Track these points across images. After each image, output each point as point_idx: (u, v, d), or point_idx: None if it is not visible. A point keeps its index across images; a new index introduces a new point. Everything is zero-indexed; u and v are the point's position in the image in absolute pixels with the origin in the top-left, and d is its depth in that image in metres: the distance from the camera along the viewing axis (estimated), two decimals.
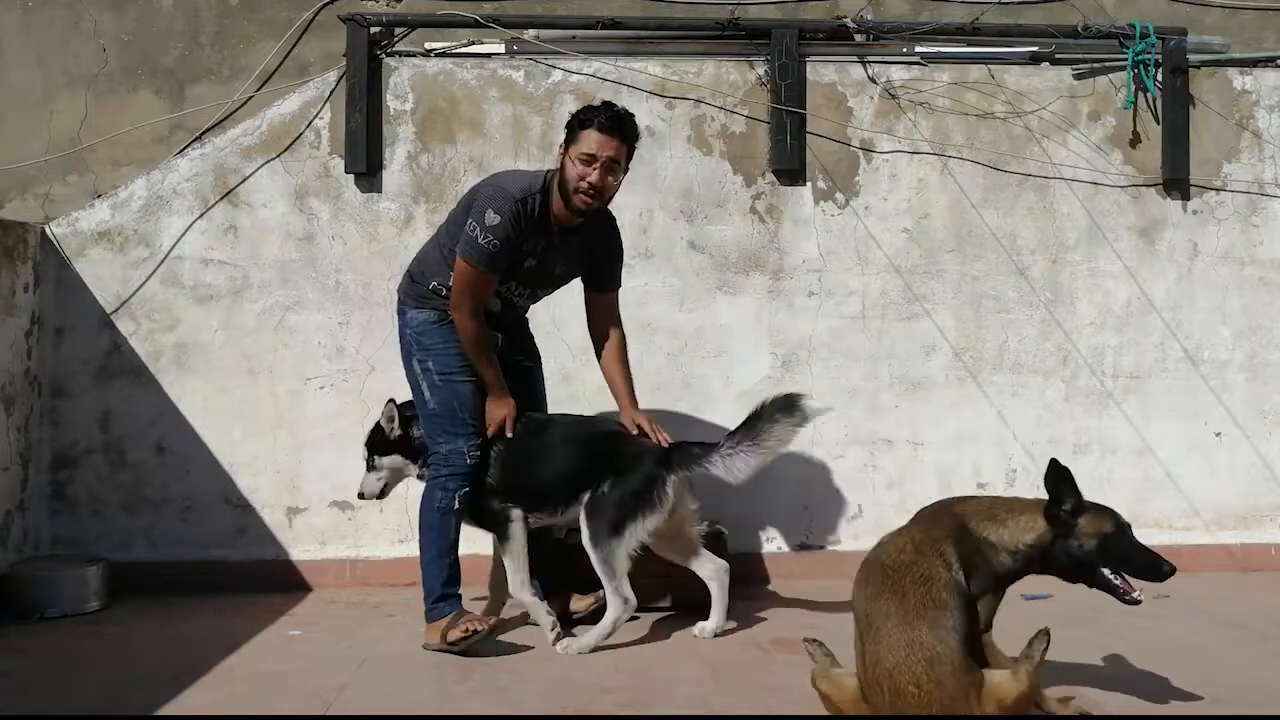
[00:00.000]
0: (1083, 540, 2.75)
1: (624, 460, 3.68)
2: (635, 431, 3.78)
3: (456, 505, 3.64)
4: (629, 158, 3.67)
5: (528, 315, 4.00)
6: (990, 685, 2.57)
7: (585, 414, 4.02)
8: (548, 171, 3.69)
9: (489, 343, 3.69)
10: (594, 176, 3.55)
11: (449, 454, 3.66)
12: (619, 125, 3.58)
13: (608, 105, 3.67)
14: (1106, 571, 2.77)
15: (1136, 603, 2.78)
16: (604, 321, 3.92)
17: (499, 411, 3.71)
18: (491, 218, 3.50)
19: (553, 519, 3.79)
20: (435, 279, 3.69)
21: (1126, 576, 2.78)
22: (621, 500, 3.60)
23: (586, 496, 3.65)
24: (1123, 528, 2.80)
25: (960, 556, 2.69)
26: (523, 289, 3.78)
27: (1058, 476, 2.77)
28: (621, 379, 3.89)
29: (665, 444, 3.73)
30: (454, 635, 3.49)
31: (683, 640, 3.70)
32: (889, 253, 4.68)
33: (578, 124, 3.59)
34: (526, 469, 3.72)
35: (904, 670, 2.55)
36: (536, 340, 4.05)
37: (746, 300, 4.66)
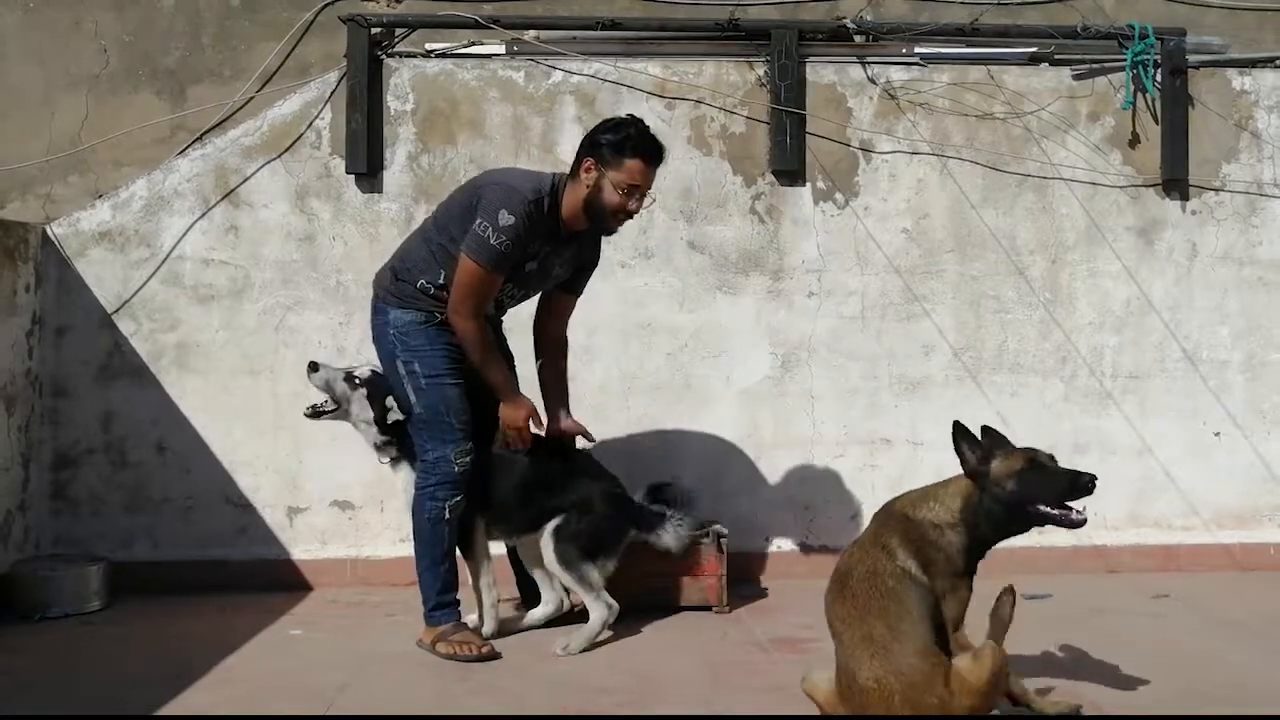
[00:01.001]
0: (1001, 483, 2.71)
1: (589, 497, 3.75)
2: (574, 442, 3.86)
3: (447, 515, 3.57)
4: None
5: (500, 320, 3.92)
6: (955, 670, 2.58)
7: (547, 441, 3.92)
8: (555, 174, 3.63)
9: (493, 344, 3.63)
10: (634, 205, 3.53)
11: (436, 461, 3.57)
12: (660, 156, 3.58)
13: (644, 131, 3.55)
14: (1040, 506, 2.71)
15: (1079, 523, 2.70)
16: (558, 322, 3.86)
17: (517, 414, 3.62)
18: (505, 218, 3.40)
19: (506, 537, 3.85)
20: (423, 277, 3.56)
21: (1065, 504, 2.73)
22: (593, 534, 3.70)
23: (551, 525, 3.69)
24: (1034, 460, 2.74)
25: (908, 546, 2.70)
26: (517, 290, 3.71)
27: (958, 435, 2.77)
28: (558, 383, 3.86)
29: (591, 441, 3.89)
30: (443, 650, 3.49)
31: (683, 640, 3.71)
32: (889, 253, 4.69)
33: (622, 150, 3.48)
34: (492, 485, 3.73)
35: (864, 667, 2.59)
36: (522, 338, 4.02)
37: (746, 300, 4.67)
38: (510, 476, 3.75)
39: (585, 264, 3.81)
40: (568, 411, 3.86)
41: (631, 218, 3.61)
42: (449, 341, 3.57)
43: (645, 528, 3.84)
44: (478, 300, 3.50)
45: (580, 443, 3.90)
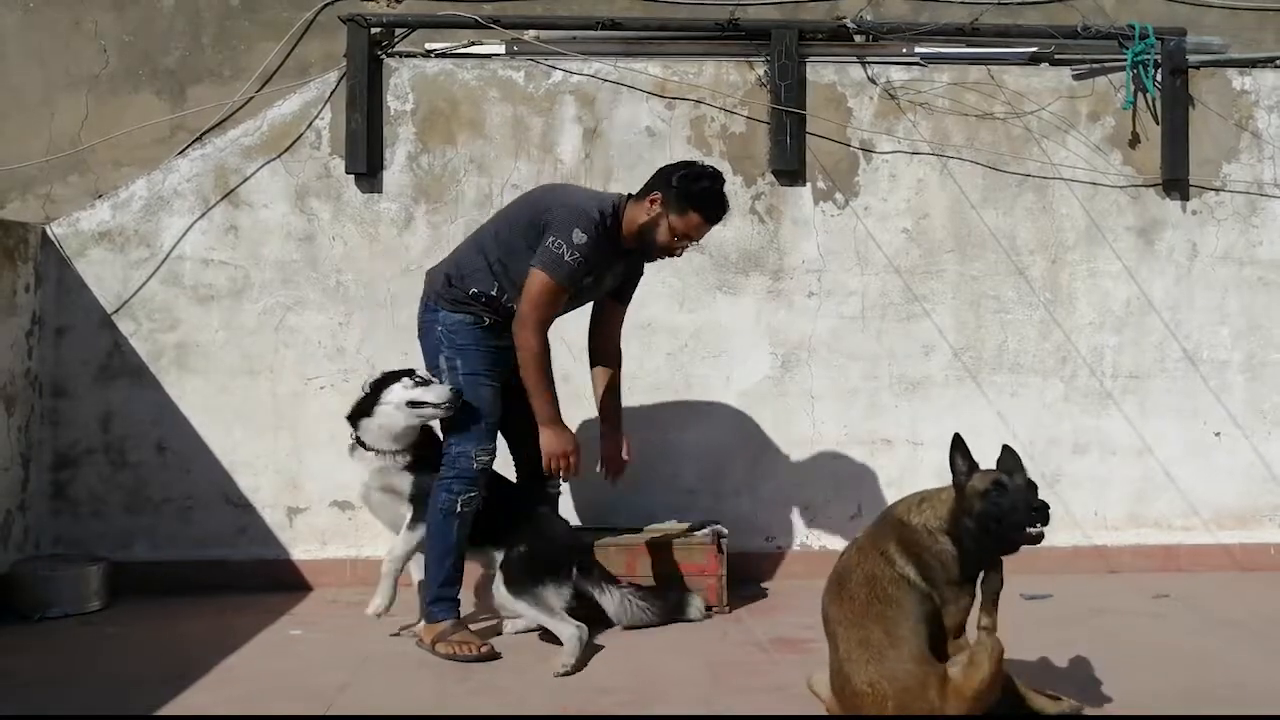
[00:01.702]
0: (973, 500, 2.69)
1: (542, 535, 3.74)
2: (618, 453, 3.91)
3: (459, 509, 3.58)
4: None
5: None
6: (949, 676, 2.59)
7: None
8: (616, 195, 3.73)
9: (549, 365, 3.64)
10: (679, 251, 3.71)
11: (456, 455, 3.61)
12: (722, 218, 3.74)
13: (718, 192, 3.66)
14: (999, 527, 2.65)
15: (1033, 539, 2.64)
16: (611, 331, 3.94)
17: (562, 445, 3.62)
18: (579, 236, 3.49)
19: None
20: (476, 286, 3.63)
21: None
22: (546, 568, 3.67)
23: (501, 556, 3.69)
24: (999, 483, 2.68)
25: (906, 553, 2.69)
26: (572, 303, 3.76)
27: (954, 448, 2.76)
28: (610, 395, 3.94)
29: (614, 484, 3.94)
30: (442, 650, 3.49)
31: (683, 640, 3.71)
32: (889, 253, 4.68)
33: (690, 202, 3.59)
34: None
35: (858, 670, 2.60)
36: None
37: (746, 300, 4.67)
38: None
39: (633, 274, 3.90)
40: (618, 426, 3.94)
41: (672, 256, 3.76)
42: (494, 345, 3.65)
43: (589, 581, 3.79)
44: (546, 313, 3.57)
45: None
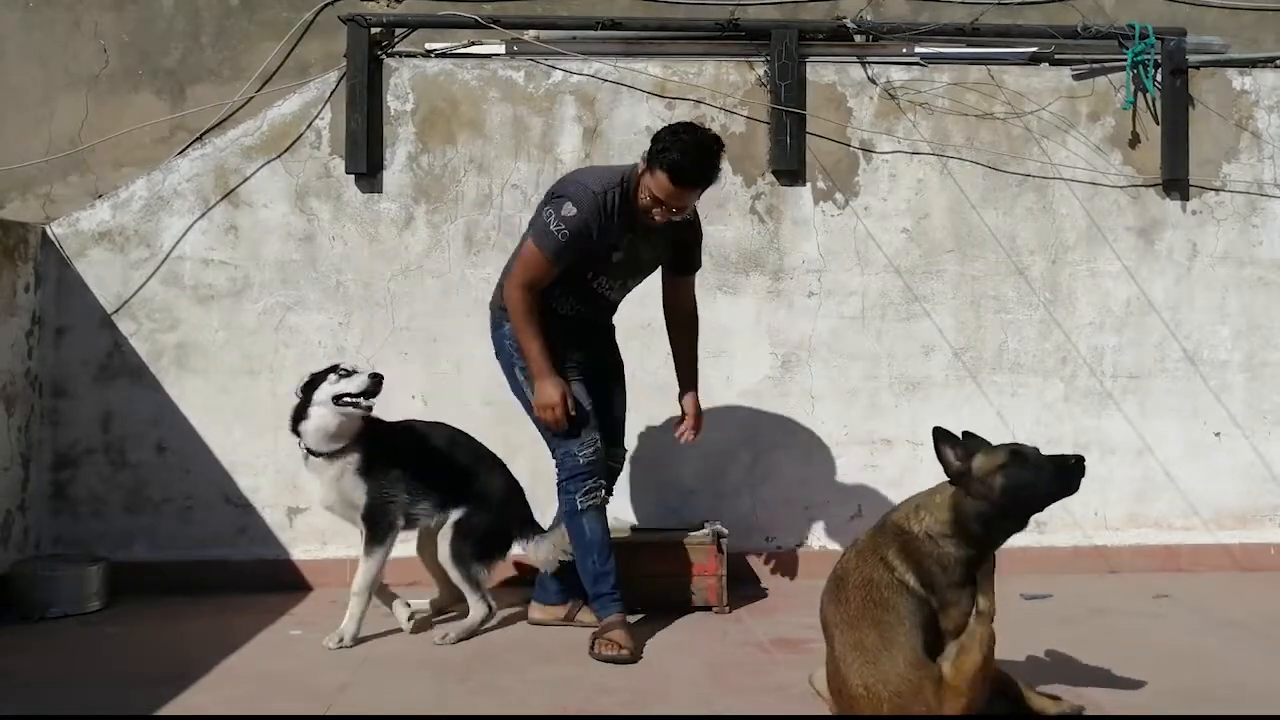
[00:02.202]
0: (986, 480, 2.69)
1: (485, 494, 3.84)
2: (695, 413, 3.92)
3: (583, 506, 3.62)
4: (706, 186, 3.61)
5: (613, 323, 3.97)
6: (943, 670, 2.60)
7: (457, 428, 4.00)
8: (628, 166, 3.66)
9: (538, 318, 3.60)
10: (658, 215, 3.55)
11: (563, 457, 3.65)
12: (693, 181, 3.50)
13: (688, 151, 3.46)
14: (1033, 494, 2.70)
15: (1074, 487, 2.70)
16: (679, 300, 3.93)
17: (548, 395, 3.58)
18: (568, 209, 3.50)
19: (426, 524, 3.85)
20: None
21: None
22: (485, 536, 3.76)
23: (454, 515, 3.75)
24: (1017, 453, 2.72)
25: (907, 560, 2.69)
26: (613, 281, 3.75)
27: (938, 439, 2.77)
28: (686, 362, 3.96)
29: (690, 443, 3.93)
30: (597, 650, 3.47)
31: (683, 640, 3.71)
32: (889, 253, 4.68)
33: (657, 161, 3.47)
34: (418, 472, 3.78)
35: (854, 673, 2.62)
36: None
37: (746, 300, 4.67)
38: (426, 454, 3.81)
39: (683, 242, 3.81)
40: (691, 390, 3.96)
41: (667, 219, 3.59)
42: (558, 339, 3.65)
43: (522, 535, 3.88)
44: (530, 278, 3.58)
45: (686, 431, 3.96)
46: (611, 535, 4.12)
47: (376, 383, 3.58)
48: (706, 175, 3.53)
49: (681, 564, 4.03)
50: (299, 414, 3.69)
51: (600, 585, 3.64)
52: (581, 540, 3.66)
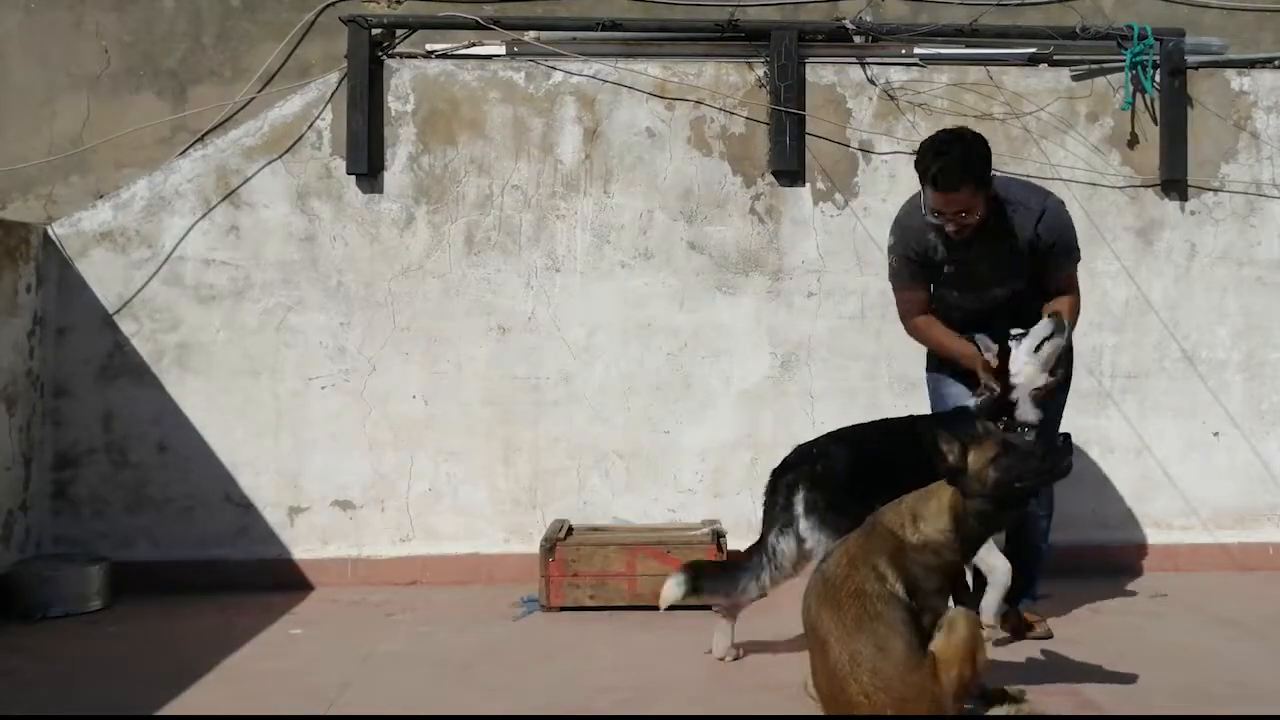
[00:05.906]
0: (981, 477, 2.68)
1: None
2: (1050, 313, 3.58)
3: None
4: (981, 187, 3.48)
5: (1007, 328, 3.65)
6: (933, 657, 2.61)
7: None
8: None
9: (935, 332, 3.72)
10: (951, 227, 3.53)
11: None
12: (957, 180, 3.42)
13: (936, 157, 3.43)
14: (1023, 484, 2.70)
15: (1065, 471, 2.73)
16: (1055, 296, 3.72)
17: (968, 362, 3.58)
18: (889, 240, 3.76)
19: None
20: None
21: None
22: None
23: None
24: (1005, 443, 2.73)
25: (897, 569, 2.69)
26: (960, 294, 3.71)
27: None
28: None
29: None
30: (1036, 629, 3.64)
31: (683, 640, 3.71)
32: None
33: (921, 176, 3.52)
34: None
35: (851, 683, 2.62)
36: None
37: (746, 300, 4.67)
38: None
39: (1028, 250, 3.62)
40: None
41: (963, 230, 3.52)
42: (940, 360, 3.80)
43: None
44: (899, 312, 3.82)
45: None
46: (611, 535, 4.13)
47: None
48: (966, 173, 3.43)
49: (681, 564, 4.03)
50: None
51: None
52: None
